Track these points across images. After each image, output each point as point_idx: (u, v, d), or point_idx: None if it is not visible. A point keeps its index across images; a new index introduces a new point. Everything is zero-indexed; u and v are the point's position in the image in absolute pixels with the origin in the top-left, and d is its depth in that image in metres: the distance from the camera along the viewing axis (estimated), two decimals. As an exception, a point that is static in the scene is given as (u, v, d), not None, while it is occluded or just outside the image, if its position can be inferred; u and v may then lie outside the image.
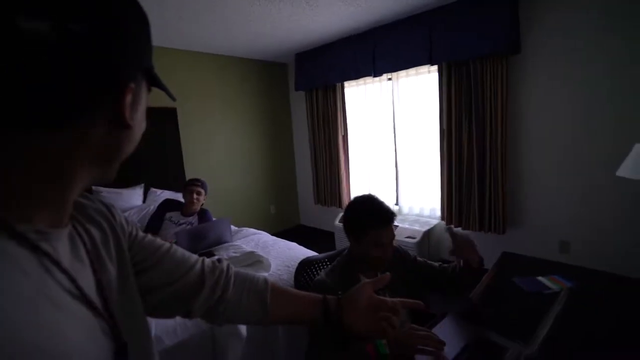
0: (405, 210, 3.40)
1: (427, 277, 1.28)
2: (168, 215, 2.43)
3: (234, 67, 3.80)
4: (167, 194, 3.14)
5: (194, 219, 2.47)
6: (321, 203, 4.11)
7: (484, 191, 2.71)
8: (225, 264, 0.64)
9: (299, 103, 4.33)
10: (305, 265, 1.39)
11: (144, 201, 3.03)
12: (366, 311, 0.61)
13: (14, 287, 0.29)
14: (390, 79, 3.27)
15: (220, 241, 2.18)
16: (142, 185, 3.07)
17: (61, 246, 0.36)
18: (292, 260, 1.92)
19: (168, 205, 2.49)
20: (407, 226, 3.10)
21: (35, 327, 0.29)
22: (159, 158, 3.23)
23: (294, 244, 2.23)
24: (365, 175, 3.73)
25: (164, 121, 3.25)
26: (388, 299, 0.63)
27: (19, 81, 0.29)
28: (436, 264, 1.31)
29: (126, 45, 0.35)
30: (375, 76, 3.19)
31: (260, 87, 4.11)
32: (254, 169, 4.13)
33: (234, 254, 1.92)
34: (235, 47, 3.44)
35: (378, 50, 3.09)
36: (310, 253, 2.04)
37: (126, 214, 2.69)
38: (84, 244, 0.42)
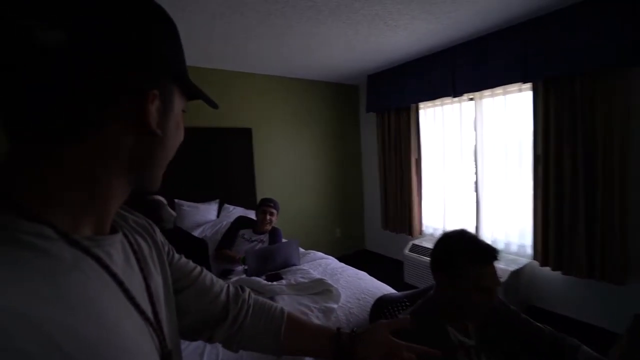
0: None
1: (530, 341, 1.03)
2: (241, 232, 2.49)
3: (305, 89, 3.90)
4: (239, 211, 3.25)
5: (265, 237, 2.48)
6: (389, 229, 3.89)
7: (594, 230, 2.25)
8: (247, 292, 0.65)
9: (369, 125, 4.25)
10: (382, 305, 1.24)
11: (217, 216, 3.17)
12: (380, 349, 0.59)
13: (78, 287, 0.30)
14: (472, 99, 3.01)
15: (287, 263, 2.13)
16: (217, 201, 3.23)
17: (114, 252, 0.37)
18: (363, 292, 1.77)
19: (241, 222, 2.55)
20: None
21: (98, 324, 0.30)
22: (233, 175, 3.39)
23: (364, 274, 2.08)
24: (439, 202, 3.43)
25: (239, 140, 3.43)
26: (404, 343, 0.60)
27: (36, 94, 0.29)
28: (543, 326, 1.05)
29: (145, 51, 0.34)
30: (455, 96, 2.96)
31: (330, 109, 4.14)
32: (321, 191, 4.11)
33: (301, 279, 1.84)
34: (308, 70, 3.53)
35: (459, 68, 2.87)
36: (383, 286, 1.87)
37: (201, 228, 2.83)
38: (134, 252, 0.42)
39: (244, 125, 3.47)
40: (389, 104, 3.61)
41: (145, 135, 0.36)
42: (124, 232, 0.42)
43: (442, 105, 3.26)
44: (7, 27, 0.27)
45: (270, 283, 1.83)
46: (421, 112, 3.45)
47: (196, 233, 2.76)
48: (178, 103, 0.41)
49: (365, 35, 2.59)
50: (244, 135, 3.47)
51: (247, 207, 3.33)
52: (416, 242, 3.40)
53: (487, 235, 3.00)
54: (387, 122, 3.76)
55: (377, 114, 3.87)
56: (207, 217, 3.05)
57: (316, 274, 1.93)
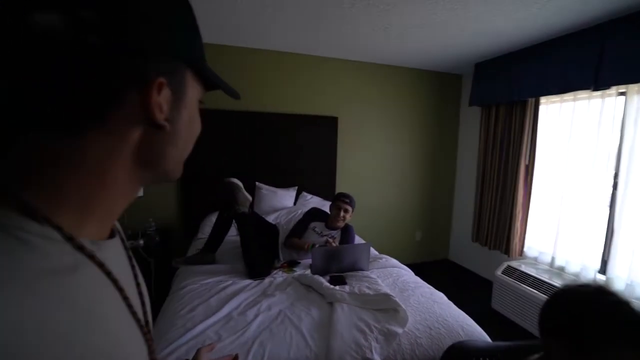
0: (617, 286, 2.31)
1: None
2: (312, 224, 2.41)
3: (398, 77, 3.56)
4: (316, 200, 3.20)
5: (337, 234, 2.37)
6: (480, 242, 3.36)
7: None
8: None
9: (470, 120, 3.70)
10: (457, 356, 0.97)
11: (294, 203, 3.18)
12: None
13: (82, 292, 0.29)
14: (623, 92, 2.28)
15: (355, 267, 1.96)
16: (296, 188, 3.23)
17: (114, 257, 0.36)
18: (437, 320, 1.49)
19: (314, 214, 2.47)
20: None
21: (101, 331, 0.30)
22: (314, 164, 3.33)
23: (441, 295, 1.77)
24: (552, 220, 2.77)
25: (324, 129, 3.33)
26: None
27: (33, 82, 0.27)
28: None
29: (152, 34, 0.31)
30: (596, 89, 2.28)
31: (426, 100, 3.72)
32: (404, 188, 3.78)
33: (367, 290, 1.65)
34: (404, 56, 3.19)
35: (609, 52, 2.18)
36: (463, 317, 1.55)
37: (276, 214, 2.86)
38: (129, 258, 0.41)
39: (330, 113, 3.36)
40: (499, 97, 3.03)
41: (153, 129, 0.33)
42: (120, 237, 0.40)
43: (574, 100, 2.57)
44: (1, 17, 0.26)
45: (331, 287, 1.69)
46: (542, 108, 2.80)
47: (271, 218, 2.80)
48: (192, 93, 0.37)
49: (476, 14, 2.15)
50: (329, 124, 3.36)
51: (325, 198, 3.25)
52: (513, 264, 2.84)
53: (621, 275, 2.30)
54: (493, 118, 3.18)
55: (483, 108, 3.31)
56: (283, 203, 3.07)
57: (384, 286, 1.71)
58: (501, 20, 2.24)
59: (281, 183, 3.19)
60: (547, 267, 2.78)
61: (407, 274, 2.03)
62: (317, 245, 2.18)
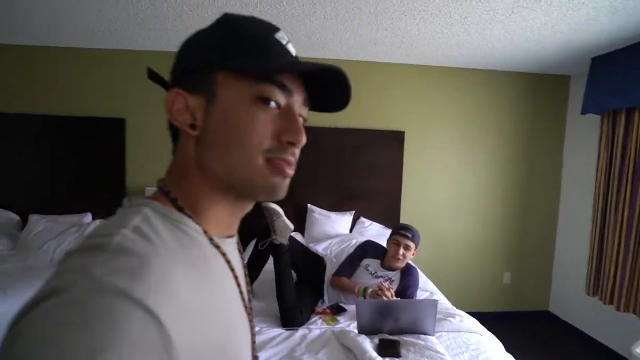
0: None
1: None
2: (365, 262, 1.98)
3: (480, 83, 2.94)
4: (376, 228, 2.75)
5: (395, 276, 1.89)
6: (602, 299, 2.46)
7: None
8: None
9: (582, 133, 2.86)
10: None
11: (350, 230, 2.77)
12: None
13: (218, 274, 0.37)
14: None
15: (416, 328, 1.46)
16: (352, 212, 2.82)
17: (232, 251, 0.42)
18: None
19: (368, 249, 2.04)
20: None
21: (229, 307, 0.38)
22: (376, 185, 2.89)
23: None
24: None
25: (388, 145, 2.89)
26: None
27: None
28: None
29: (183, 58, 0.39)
30: None
31: (517, 109, 3.00)
32: (488, 219, 3.05)
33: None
34: (491, 56, 2.58)
35: None
36: None
37: (328, 242, 2.49)
38: (239, 252, 0.47)
39: (396, 127, 2.91)
40: (629, 99, 2.22)
41: (186, 136, 0.38)
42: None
43: None
44: None
45: (377, 358, 1.23)
46: None
47: (321, 247, 2.44)
48: (227, 93, 0.36)
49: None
50: (395, 139, 2.91)
51: (387, 225, 2.78)
52: (662, 337, 1.95)
53: None
54: (622, 128, 2.35)
55: (604, 115, 2.49)
56: (337, 229, 2.69)
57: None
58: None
59: (336, 206, 2.82)
60: None
61: (493, 347, 1.44)
62: (369, 290, 1.74)
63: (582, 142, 2.85)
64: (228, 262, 0.39)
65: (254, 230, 1.94)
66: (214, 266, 0.36)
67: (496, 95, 2.97)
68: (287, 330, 1.53)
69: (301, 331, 1.52)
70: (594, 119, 2.62)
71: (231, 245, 0.42)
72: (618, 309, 2.33)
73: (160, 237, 0.31)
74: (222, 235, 0.40)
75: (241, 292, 0.41)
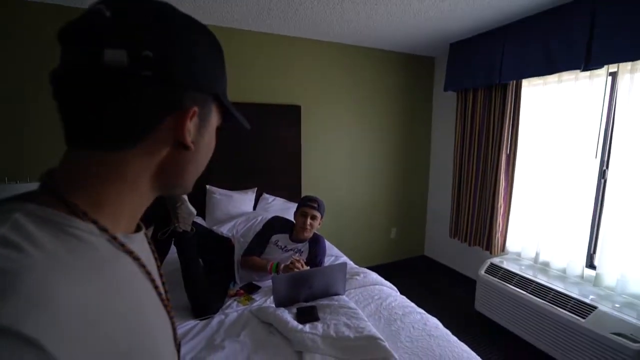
0: (608, 281, 2.14)
1: None
2: (274, 238, 1.99)
3: (365, 59, 3.18)
4: (279, 203, 2.78)
5: (304, 247, 1.97)
6: (459, 238, 3.13)
7: None
8: None
9: (445, 107, 3.43)
10: None
11: (254, 208, 2.73)
12: None
13: (120, 276, 0.35)
14: (613, 72, 2.07)
15: (329, 291, 1.58)
16: (255, 189, 2.77)
17: (141, 247, 0.41)
18: (437, 364, 1.15)
19: (276, 225, 2.05)
20: (614, 313, 1.88)
21: (140, 310, 0.35)
22: (275, 160, 2.89)
23: (437, 324, 1.43)
24: (535, 214, 2.58)
25: (285, 119, 2.89)
26: None
27: (100, 106, 0.33)
28: None
29: (193, 71, 0.37)
30: (585, 69, 2.05)
31: (396, 85, 3.38)
32: (376, 182, 3.45)
33: (346, 330, 1.27)
34: (375, 36, 2.80)
35: (600, 29, 1.95)
36: (468, 355, 1.22)
37: (232, 222, 2.41)
38: (149, 243, 0.46)
39: (291, 101, 2.91)
40: (476, 80, 2.76)
41: (179, 148, 0.38)
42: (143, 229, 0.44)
43: (559, 82, 2.35)
44: (81, 51, 0.32)
45: (299, 326, 1.30)
46: (524, 92, 2.56)
47: (226, 228, 2.34)
48: (214, 120, 0.43)
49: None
50: (291, 114, 2.92)
51: (290, 199, 2.84)
52: (495, 261, 2.63)
53: (611, 270, 2.13)
54: (471, 103, 2.92)
55: (459, 93, 3.04)
56: (241, 208, 2.61)
57: (366, 321, 1.34)
58: (486, -12, 1.92)
59: (237, 185, 2.72)
60: (530, 263, 2.59)
61: (392, 294, 1.69)
62: (281, 265, 1.78)
63: (446, 113, 3.43)
64: (137, 259, 0.38)
65: (150, 219, 1.71)
66: (117, 268, 0.35)
67: (379, 72, 3.27)
68: (201, 320, 1.45)
69: (217, 318, 1.46)
70: (453, 95, 3.17)
71: (139, 240, 0.41)
72: (470, 244, 3.02)
73: (37, 245, 0.27)
74: (130, 230, 0.39)
75: (156, 287, 0.41)
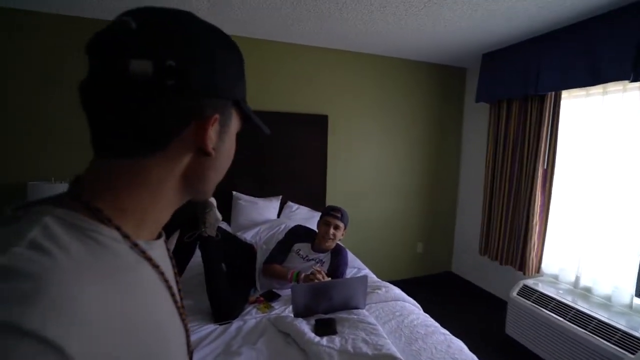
0: (662, 313, 1.94)
1: None
2: (296, 247, 1.99)
3: (395, 70, 3.15)
4: (304, 212, 2.79)
5: (325, 257, 1.95)
6: (490, 256, 2.97)
7: None
8: None
9: (477, 119, 3.31)
10: None
11: (278, 215, 2.75)
12: None
13: (139, 283, 0.35)
14: (668, 85, 1.91)
15: (348, 305, 1.55)
16: (280, 197, 2.80)
17: (161, 254, 0.41)
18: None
19: (298, 233, 2.05)
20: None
21: (157, 316, 0.36)
22: (301, 169, 2.91)
23: (461, 347, 1.35)
24: (576, 232, 2.39)
25: (312, 129, 2.91)
26: None
27: (125, 115, 0.34)
28: None
29: (214, 79, 0.38)
30: (635, 80, 1.90)
31: (426, 97, 3.32)
32: (404, 196, 3.37)
33: (364, 346, 1.22)
34: (405, 46, 2.78)
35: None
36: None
37: (256, 229, 2.44)
38: (168, 251, 0.46)
39: (319, 111, 2.94)
40: (511, 91, 2.65)
41: (201, 155, 0.39)
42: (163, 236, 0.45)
43: (603, 94, 2.20)
44: (108, 62, 0.33)
45: (316, 338, 1.28)
46: (563, 104, 2.42)
47: (249, 235, 2.38)
48: (234, 126, 0.44)
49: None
50: (318, 123, 2.94)
51: (314, 208, 2.84)
52: (530, 282, 2.47)
53: (665, 301, 1.92)
54: (504, 116, 2.80)
55: (492, 104, 2.93)
56: (265, 215, 2.64)
57: (386, 338, 1.29)
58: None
59: (263, 192, 2.76)
60: (569, 287, 2.40)
61: (414, 311, 1.62)
62: (302, 275, 1.77)
63: (478, 126, 3.31)
64: (156, 266, 0.38)
65: (177, 222, 1.77)
66: (137, 274, 0.35)
67: (409, 83, 3.22)
68: (220, 325, 1.47)
69: (236, 324, 1.47)
70: (486, 106, 3.06)
71: (159, 248, 0.41)
72: (501, 263, 2.85)
73: (65, 249, 0.28)
74: (152, 237, 0.40)
75: (173, 295, 0.41)
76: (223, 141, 0.41)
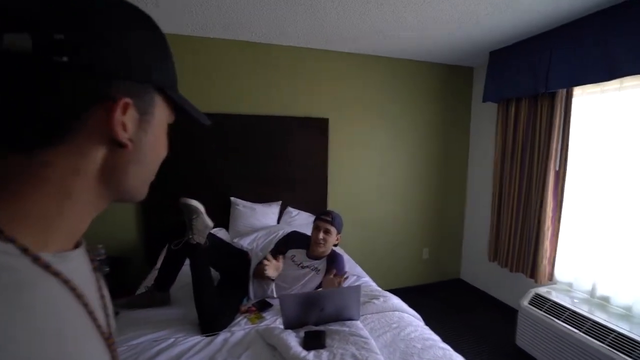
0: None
1: None
2: (290, 253, 1.92)
3: (398, 71, 3.06)
4: (303, 217, 2.72)
5: (320, 264, 1.87)
6: (500, 262, 2.83)
7: None
8: None
9: (484, 119, 3.19)
10: None
11: (277, 221, 2.69)
12: None
13: (39, 305, 0.29)
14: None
15: (341, 316, 1.46)
16: (279, 203, 2.74)
17: (77, 267, 0.36)
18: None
19: (293, 240, 1.99)
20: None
21: (61, 347, 0.30)
22: (301, 174, 2.84)
23: (460, 362, 1.26)
24: (592, 237, 2.24)
25: (312, 132, 2.84)
26: None
27: (9, 99, 0.29)
28: None
29: (122, 58, 0.33)
30: (653, 74, 1.77)
31: (431, 97, 3.21)
32: (409, 200, 3.26)
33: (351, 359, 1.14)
34: (407, 46, 2.69)
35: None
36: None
37: (254, 235, 2.38)
38: (91, 261, 0.41)
39: (319, 114, 2.87)
40: (519, 90, 2.52)
41: (117, 147, 0.34)
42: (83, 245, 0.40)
43: (619, 90, 2.06)
44: None
45: (302, 353, 1.20)
46: (575, 101, 2.28)
47: (247, 241, 2.32)
48: (160, 115, 0.39)
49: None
50: (319, 127, 2.87)
51: (315, 213, 2.75)
52: (542, 291, 2.33)
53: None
54: (512, 115, 2.67)
55: (500, 104, 2.80)
56: (264, 221, 2.59)
57: (376, 351, 1.20)
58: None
59: (262, 197, 2.71)
60: (585, 296, 2.25)
61: (412, 323, 1.52)
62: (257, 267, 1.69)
63: (486, 126, 3.18)
64: (66, 281, 0.33)
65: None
66: (36, 291, 0.30)
67: (413, 84, 3.13)
68: (207, 336, 1.41)
69: (222, 335, 1.41)
70: (493, 106, 2.93)
71: (76, 259, 0.36)
72: (511, 270, 2.71)
73: None
74: (66, 247, 0.35)
75: (90, 313, 0.35)
76: (145, 131, 0.36)
